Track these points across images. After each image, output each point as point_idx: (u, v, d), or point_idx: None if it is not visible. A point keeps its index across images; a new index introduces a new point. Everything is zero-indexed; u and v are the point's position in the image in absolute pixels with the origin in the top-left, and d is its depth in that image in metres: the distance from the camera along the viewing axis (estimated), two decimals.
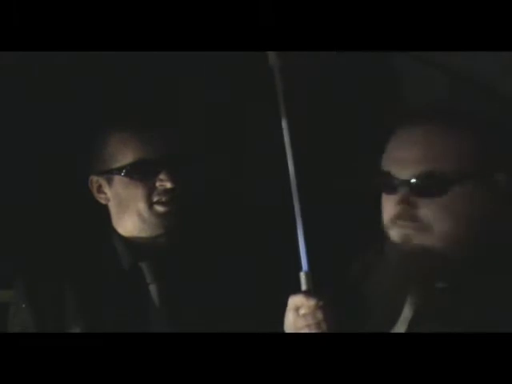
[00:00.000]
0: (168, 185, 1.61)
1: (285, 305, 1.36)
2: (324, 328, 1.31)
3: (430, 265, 1.26)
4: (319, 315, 1.32)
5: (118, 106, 1.93)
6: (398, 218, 1.30)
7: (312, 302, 1.32)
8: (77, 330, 1.62)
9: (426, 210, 1.27)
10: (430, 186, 1.27)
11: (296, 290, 1.37)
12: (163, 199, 1.62)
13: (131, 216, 1.65)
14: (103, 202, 1.70)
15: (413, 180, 1.28)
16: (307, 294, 1.34)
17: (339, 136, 2.04)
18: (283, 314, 1.36)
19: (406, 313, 1.31)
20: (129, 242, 1.68)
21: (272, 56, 1.39)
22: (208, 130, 2.07)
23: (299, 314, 1.33)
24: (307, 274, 1.35)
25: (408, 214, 1.29)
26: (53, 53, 1.40)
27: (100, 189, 1.68)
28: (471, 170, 1.26)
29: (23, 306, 1.66)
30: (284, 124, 1.39)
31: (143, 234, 1.66)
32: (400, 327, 1.31)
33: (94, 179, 1.68)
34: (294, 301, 1.34)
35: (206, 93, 2.10)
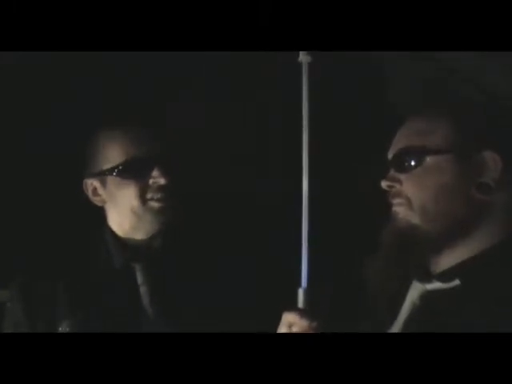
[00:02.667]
0: (161, 181, 1.61)
1: (282, 305, 1.35)
2: None
3: (415, 242, 1.27)
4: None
5: (106, 105, 1.93)
6: (390, 196, 1.31)
7: (305, 322, 1.31)
8: (69, 330, 1.62)
9: (407, 185, 1.29)
10: (406, 159, 1.29)
11: (294, 290, 1.37)
12: (157, 196, 1.61)
13: (127, 215, 1.64)
14: (99, 204, 1.69)
15: (394, 157, 1.32)
16: (301, 312, 1.33)
17: (351, 143, 2.04)
18: (279, 314, 1.36)
19: (404, 310, 1.31)
20: (125, 241, 1.67)
21: (302, 53, 1.38)
22: (208, 128, 2.08)
23: (291, 331, 1.33)
24: (305, 291, 1.35)
25: (395, 190, 1.30)
26: (49, 53, 1.41)
27: (95, 191, 1.68)
28: (444, 146, 1.27)
29: (14, 305, 1.66)
30: (304, 123, 1.38)
31: (140, 233, 1.66)
32: (397, 325, 1.30)
33: (89, 182, 1.68)
34: (288, 318, 1.34)
35: (200, 91, 2.10)
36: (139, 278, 1.64)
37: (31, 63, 1.89)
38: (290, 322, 1.33)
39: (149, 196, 1.61)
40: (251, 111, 2.12)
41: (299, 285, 1.36)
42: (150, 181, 1.61)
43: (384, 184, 1.32)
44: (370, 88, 2.10)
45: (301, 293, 1.35)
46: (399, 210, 1.30)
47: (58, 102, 2.00)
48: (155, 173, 1.61)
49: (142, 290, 1.64)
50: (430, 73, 1.95)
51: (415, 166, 1.28)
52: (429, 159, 1.27)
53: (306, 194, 1.37)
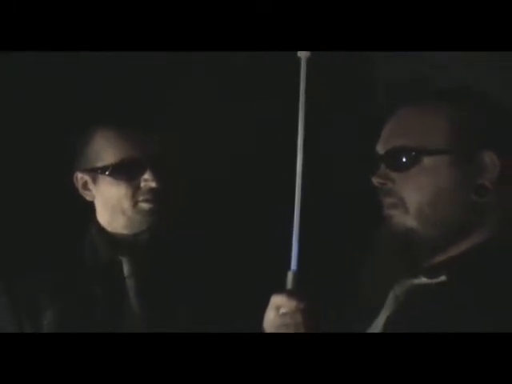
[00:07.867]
0: (153, 184, 1.60)
1: (271, 289, 1.33)
2: (301, 330, 1.27)
3: (410, 245, 1.23)
4: (298, 317, 1.29)
5: (104, 103, 1.93)
6: (381, 193, 1.27)
7: (293, 303, 1.29)
8: (54, 327, 1.61)
9: (401, 185, 1.24)
10: (401, 158, 1.24)
11: (283, 274, 1.34)
12: (148, 198, 1.62)
13: (116, 214, 1.64)
14: (89, 198, 1.69)
15: (387, 154, 1.26)
16: (290, 294, 1.31)
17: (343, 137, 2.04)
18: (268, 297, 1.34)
19: (388, 305, 1.28)
20: (112, 236, 1.67)
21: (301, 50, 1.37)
22: (195, 127, 2.08)
23: (279, 313, 1.30)
24: (294, 274, 1.33)
25: (387, 188, 1.25)
26: (45, 52, 1.40)
27: (85, 186, 1.68)
28: (443, 147, 1.22)
29: None
30: (300, 121, 1.36)
31: (128, 231, 1.66)
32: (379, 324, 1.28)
33: (79, 176, 1.68)
34: (276, 299, 1.31)
35: (194, 92, 2.10)
36: (126, 271, 1.64)
37: (30, 62, 1.90)
38: (278, 304, 1.30)
39: (139, 198, 1.62)
40: (249, 110, 2.12)
41: (289, 268, 1.34)
42: (142, 183, 1.62)
43: (375, 181, 1.26)
44: (366, 86, 2.10)
45: (290, 275, 1.33)
46: (393, 212, 1.25)
47: (46, 99, 2.02)
48: (147, 175, 1.61)
49: (129, 283, 1.64)
50: (428, 71, 1.96)
51: (411, 165, 1.22)
52: (426, 160, 1.22)
53: (300, 180, 1.35)
